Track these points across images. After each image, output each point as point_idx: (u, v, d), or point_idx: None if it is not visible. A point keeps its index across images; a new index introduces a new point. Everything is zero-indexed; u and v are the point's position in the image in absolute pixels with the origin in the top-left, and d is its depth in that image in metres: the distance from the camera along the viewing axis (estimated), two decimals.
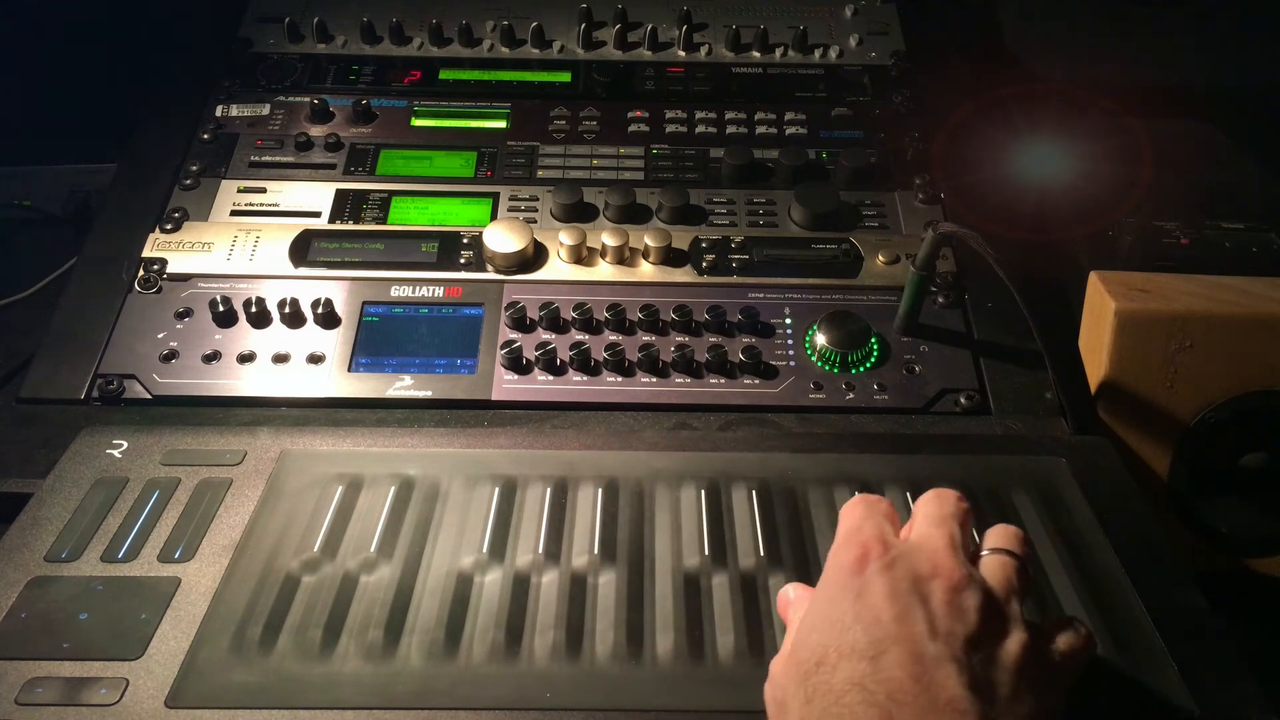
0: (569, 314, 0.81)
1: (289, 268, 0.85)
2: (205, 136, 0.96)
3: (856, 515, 0.52)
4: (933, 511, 0.51)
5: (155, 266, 0.85)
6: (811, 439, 0.72)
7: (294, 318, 0.81)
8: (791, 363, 0.80)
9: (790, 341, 0.81)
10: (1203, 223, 0.88)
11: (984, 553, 0.51)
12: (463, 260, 0.86)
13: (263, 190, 0.92)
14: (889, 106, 1.02)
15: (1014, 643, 0.45)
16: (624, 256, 0.87)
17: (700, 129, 1.00)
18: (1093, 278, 0.80)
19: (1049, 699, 0.45)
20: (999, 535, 0.51)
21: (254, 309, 0.80)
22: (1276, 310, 0.77)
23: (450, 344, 0.80)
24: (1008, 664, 0.44)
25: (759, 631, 0.57)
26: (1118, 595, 0.59)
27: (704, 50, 1.07)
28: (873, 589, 0.46)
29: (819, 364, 0.80)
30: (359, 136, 0.98)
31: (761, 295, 0.84)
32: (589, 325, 0.81)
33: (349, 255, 0.87)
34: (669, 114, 1.01)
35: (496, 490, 0.66)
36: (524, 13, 1.08)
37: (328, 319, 0.81)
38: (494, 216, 0.91)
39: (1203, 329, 0.77)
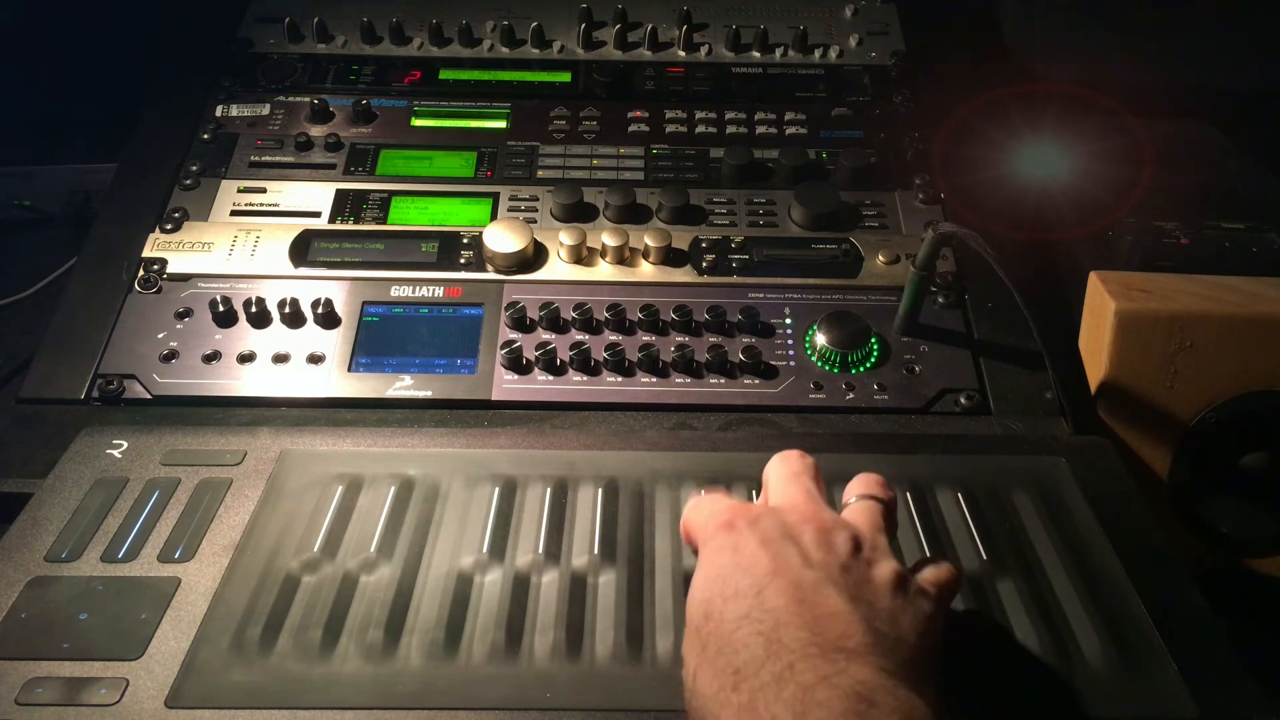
0: (569, 314, 0.81)
1: (289, 268, 0.85)
2: (205, 136, 0.96)
3: (705, 506, 0.54)
4: (782, 472, 0.54)
5: (155, 266, 0.85)
6: (811, 439, 0.72)
7: (294, 318, 0.81)
8: (791, 363, 0.80)
9: (790, 341, 0.81)
10: (1203, 223, 0.88)
11: (850, 500, 0.53)
12: (463, 260, 0.86)
13: (263, 190, 0.92)
14: (889, 106, 1.02)
15: (885, 568, 0.47)
16: (624, 256, 0.87)
17: (700, 129, 1.00)
18: (1093, 278, 0.80)
19: (925, 616, 0.46)
20: (862, 483, 0.54)
21: (254, 309, 0.80)
22: (1276, 310, 0.77)
23: (450, 344, 0.80)
24: (882, 584, 0.46)
25: None
26: (1118, 595, 0.59)
27: (704, 50, 1.07)
28: (745, 540, 0.48)
29: (819, 364, 0.80)
30: (359, 136, 0.98)
31: (761, 295, 0.84)
32: (589, 325, 0.81)
33: (349, 255, 0.87)
34: (669, 114, 1.01)
35: (496, 490, 0.66)
36: (524, 13, 1.08)
37: (328, 319, 0.81)
38: (494, 216, 0.91)
39: (1203, 329, 0.76)
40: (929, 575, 0.50)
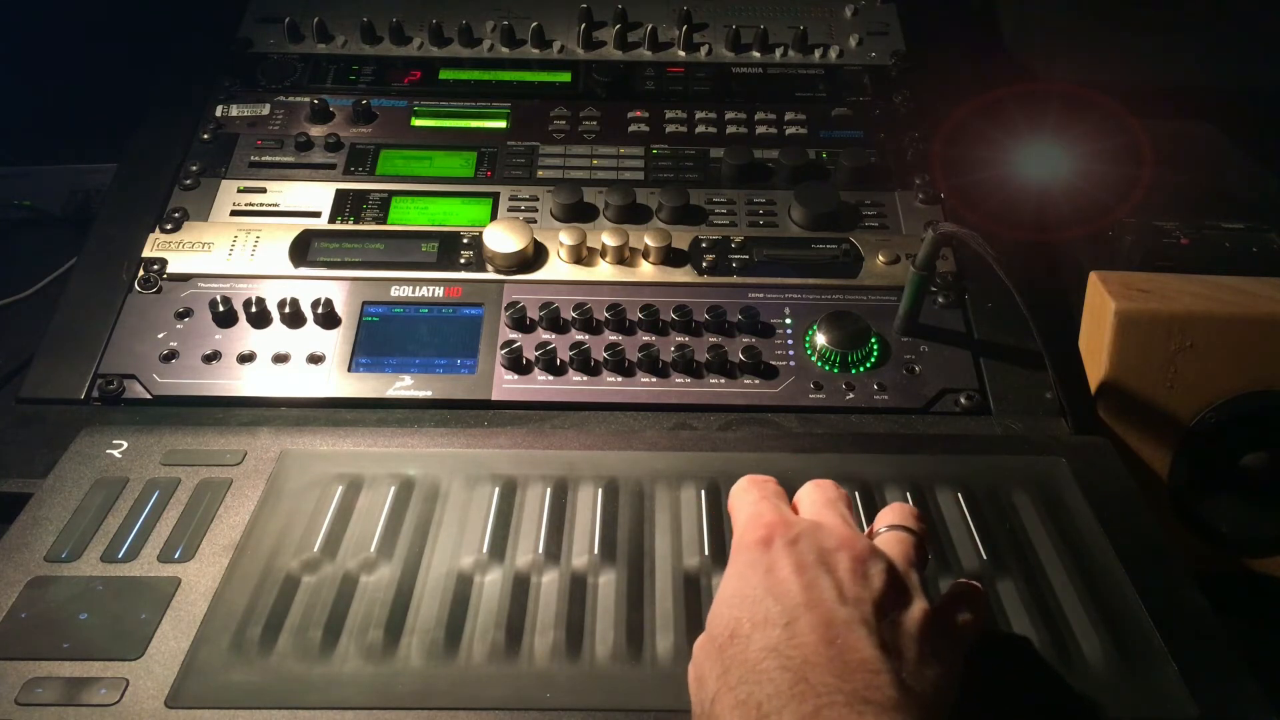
0: (569, 314, 0.81)
1: (289, 268, 0.85)
2: (205, 136, 0.96)
3: (752, 498, 0.54)
4: (818, 497, 0.54)
5: (155, 266, 0.85)
6: (811, 439, 0.72)
7: (294, 318, 0.81)
8: (791, 363, 0.80)
9: (790, 341, 0.81)
10: (1203, 223, 0.88)
11: (881, 530, 0.52)
12: (463, 260, 0.86)
13: (263, 190, 0.92)
14: (889, 106, 1.02)
15: (916, 610, 0.47)
16: (624, 256, 0.87)
17: (700, 129, 1.00)
18: (1093, 278, 0.80)
19: (949, 665, 0.46)
20: (895, 513, 0.53)
21: (254, 309, 0.80)
22: (1276, 310, 0.77)
23: (450, 344, 0.80)
24: (912, 630, 0.46)
25: None
26: (1118, 595, 0.59)
27: (704, 50, 1.07)
28: (781, 562, 0.48)
29: (819, 364, 0.80)
30: (359, 136, 0.98)
31: (761, 295, 0.84)
32: (589, 325, 0.81)
33: (349, 255, 0.87)
34: (669, 114, 1.01)
35: (496, 490, 0.66)
36: (524, 13, 1.08)
37: (328, 319, 0.81)
38: (494, 216, 0.91)
39: (1203, 329, 0.76)
40: (959, 615, 0.50)
